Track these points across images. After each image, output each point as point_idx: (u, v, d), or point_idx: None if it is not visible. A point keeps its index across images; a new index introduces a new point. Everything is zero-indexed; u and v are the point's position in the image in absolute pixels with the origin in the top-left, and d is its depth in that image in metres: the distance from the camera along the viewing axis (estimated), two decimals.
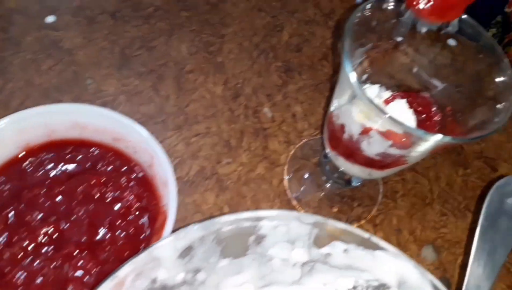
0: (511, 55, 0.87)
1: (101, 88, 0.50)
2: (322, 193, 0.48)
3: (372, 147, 0.33)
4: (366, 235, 0.32)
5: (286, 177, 0.48)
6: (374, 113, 0.29)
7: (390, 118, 0.28)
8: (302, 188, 0.48)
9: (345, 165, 0.39)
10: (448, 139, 0.28)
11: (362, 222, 0.47)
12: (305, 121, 0.52)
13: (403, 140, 0.30)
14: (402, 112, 0.35)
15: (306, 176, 0.49)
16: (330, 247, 0.34)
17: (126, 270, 0.28)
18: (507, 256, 0.40)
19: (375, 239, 0.32)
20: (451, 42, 0.35)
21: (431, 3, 0.30)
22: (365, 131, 0.32)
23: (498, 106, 0.30)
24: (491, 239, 0.39)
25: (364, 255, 0.33)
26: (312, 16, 0.61)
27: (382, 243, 0.32)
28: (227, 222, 0.31)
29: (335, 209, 0.48)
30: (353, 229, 0.32)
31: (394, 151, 0.32)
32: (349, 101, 0.32)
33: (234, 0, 0.60)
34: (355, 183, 0.46)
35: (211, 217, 0.42)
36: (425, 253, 0.47)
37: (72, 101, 0.48)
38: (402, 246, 0.46)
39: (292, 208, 0.47)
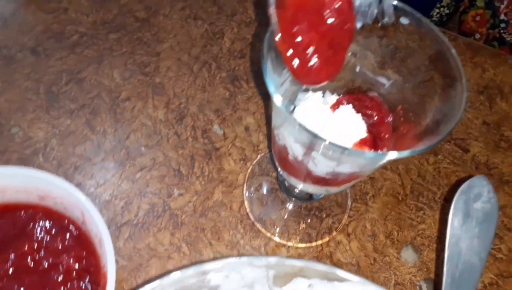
0: (469, 23, 0.85)
1: (29, 135, 0.45)
2: (287, 210, 0.45)
3: (319, 168, 0.29)
4: (325, 268, 0.28)
5: (246, 199, 0.44)
6: (311, 140, 0.25)
7: (331, 144, 0.24)
8: (264, 208, 0.44)
9: (299, 184, 0.35)
10: (400, 155, 0.24)
11: (334, 233, 0.44)
12: (260, 132, 0.48)
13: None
14: (350, 119, 0.31)
15: (267, 193, 0.45)
16: (293, 284, 0.30)
17: None
18: (486, 261, 0.37)
19: (338, 272, 0.28)
20: (403, 20, 0.31)
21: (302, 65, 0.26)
22: (308, 153, 0.28)
23: (449, 101, 0.26)
24: (462, 248, 0.36)
25: (330, 287, 0.29)
26: (253, 17, 0.57)
27: (345, 275, 0.28)
28: (169, 284, 0.27)
29: (303, 225, 0.44)
30: (313, 264, 0.28)
31: (344, 170, 0.29)
32: (284, 122, 0.28)
33: (166, 11, 0.56)
34: (317, 197, 0.43)
35: (169, 260, 0.38)
36: (405, 255, 0.43)
37: (0, 155, 0.43)
38: (379, 252, 0.43)
39: (256, 232, 0.43)
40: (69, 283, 0.34)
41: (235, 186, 0.45)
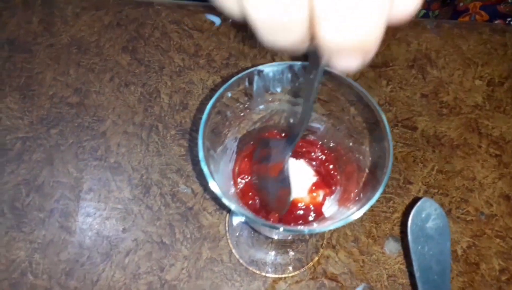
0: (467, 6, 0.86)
1: (11, 258, 0.47)
2: (273, 244, 0.48)
3: (283, 235, 0.33)
4: None
5: (233, 248, 0.48)
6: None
7: (286, 230, 0.27)
8: (252, 250, 0.48)
9: (276, 237, 0.39)
10: (352, 218, 0.28)
11: (321, 250, 0.48)
12: None
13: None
14: (296, 171, 0.35)
15: (251, 236, 0.49)
16: None
17: None
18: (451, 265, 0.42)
19: None
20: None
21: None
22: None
23: (378, 141, 0.30)
24: (431, 263, 0.42)
25: None
26: (181, 64, 0.59)
27: None
28: None
29: (291, 253, 0.48)
30: None
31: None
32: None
33: (96, 88, 0.57)
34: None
35: None
36: (388, 247, 0.48)
37: None
38: (365, 253, 0.47)
39: (252, 275, 0.47)
40: None
41: (219, 239, 0.48)
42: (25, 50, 0.59)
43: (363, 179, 0.32)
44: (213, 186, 0.29)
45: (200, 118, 0.55)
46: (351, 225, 0.49)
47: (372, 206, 0.49)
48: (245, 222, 0.49)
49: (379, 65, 0.58)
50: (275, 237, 0.39)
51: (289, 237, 0.37)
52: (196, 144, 0.53)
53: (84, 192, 0.51)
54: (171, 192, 0.51)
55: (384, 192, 0.50)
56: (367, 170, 0.31)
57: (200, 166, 0.51)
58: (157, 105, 0.56)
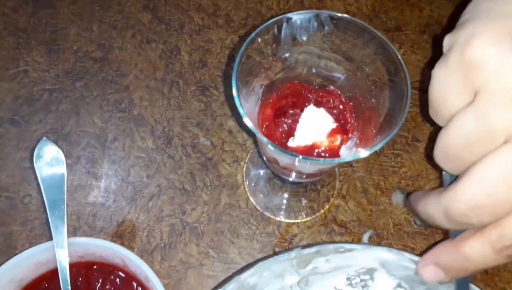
0: None
1: (42, 200, 0.51)
2: (287, 193, 0.52)
3: (308, 168, 0.36)
4: (335, 246, 0.36)
5: (250, 195, 0.51)
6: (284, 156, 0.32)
7: (305, 158, 0.31)
8: (267, 198, 0.51)
9: (292, 178, 0.42)
10: (370, 150, 0.31)
11: (332, 200, 0.51)
12: (243, 131, 0.55)
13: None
14: (317, 117, 0.38)
15: (266, 184, 0.52)
16: (313, 263, 0.38)
17: None
18: None
19: (345, 245, 0.36)
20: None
21: None
22: (293, 162, 0.35)
23: (396, 89, 0.33)
24: None
25: (343, 258, 0.37)
26: (201, 23, 0.61)
27: (351, 246, 0.36)
28: None
29: (304, 201, 0.52)
30: (323, 247, 0.36)
31: (330, 165, 0.36)
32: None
33: (119, 44, 0.60)
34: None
35: (202, 266, 0.46)
36: (395, 199, 0.52)
37: (22, 227, 0.49)
38: (373, 203, 0.51)
39: (267, 220, 0.50)
40: None
41: (236, 187, 0.52)
42: (49, 6, 0.62)
43: (379, 124, 0.36)
44: (247, 121, 0.32)
45: (219, 76, 0.58)
46: (360, 177, 0.53)
47: (381, 161, 0.52)
48: (265, 167, 0.52)
49: (392, 29, 0.61)
50: (291, 178, 0.43)
51: (304, 178, 0.41)
52: (215, 100, 0.56)
53: (109, 141, 0.54)
54: (191, 143, 0.54)
55: (393, 148, 0.54)
56: (383, 115, 0.35)
57: (218, 121, 0.54)
58: (177, 62, 0.59)
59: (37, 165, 0.41)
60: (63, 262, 0.39)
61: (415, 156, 0.54)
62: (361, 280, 0.40)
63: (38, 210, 0.51)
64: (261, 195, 0.52)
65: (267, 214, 0.51)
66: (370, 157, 0.54)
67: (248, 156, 0.54)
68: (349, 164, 0.53)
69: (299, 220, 0.50)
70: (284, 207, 0.51)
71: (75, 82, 0.57)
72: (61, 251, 0.40)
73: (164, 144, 0.54)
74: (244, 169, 0.53)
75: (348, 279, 0.40)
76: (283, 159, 0.37)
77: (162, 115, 0.56)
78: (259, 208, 0.51)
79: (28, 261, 0.40)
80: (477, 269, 0.31)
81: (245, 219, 0.51)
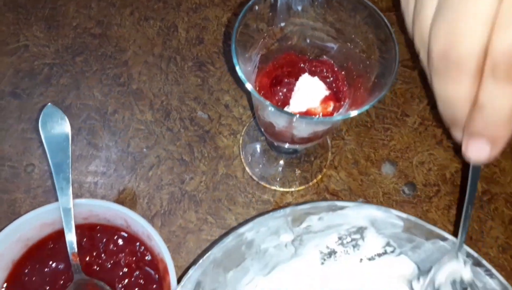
0: None
1: (45, 168, 0.53)
2: (282, 163, 0.55)
3: (302, 132, 0.39)
4: (327, 203, 0.39)
5: (246, 166, 0.54)
6: (284, 117, 0.34)
7: (301, 117, 0.33)
8: (263, 168, 0.54)
9: (287, 145, 0.45)
10: (360, 110, 0.34)
11: (324, 170, 0.54)
12: (239, 106, 0.57)
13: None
14: (311, 85, 0.40)
15: (261, 155, 0.55)
16: (307, 221, 0.40)
17: None
18: None
19: (337, 203, 0.39)
20: None
21: None
22: (290, 124, 0.37)
23: (387, 54, 0.36)
24: None
25: (335, 216, 0.40)
26: (198, 1, 0.63)
27: (342, 203, 0.39)
28: (216, 252, 0.37)
29: (298, 172, 0.54)
30: (316, 204, 0.39)
31: (322, 128, 0.38)
32: (262, 105, 0.37)
33: (117, 21, 0.61)
34: (302, 150, 0.52)
35: (201, 232, 0.48)
36: (385, 169, 0.54)
37: (26, 194, 0.51)
38: (364, 173, 0.54)
39: (262, 189, 0.53)
40: (133, 274, 0.43)
41: (233, 158, 0.54)
42: None
43: (369, 90, 0.38)
44: (249, 86, 0.34)
45: (215, 52, 0.60)
46: (351, 150, 0.55)
47: (371, 134, 0.55)
48: (261, 140, 0.55)
49: (383, 9, 0.64)
50: (286, 146, 0.45)
51: (298, 144, 0.43)
52: (211, 76, 0.59)
53: (109, 114, 0.56)
54: (189, 117, 0.56)
55: (383, 123, 0.57)
56: (373, 82, 0.37)
57: (215, 96, 0.56)
58: (174, 38, 0.61)
59: (42, 130, 0.43)
60: (69, 221, 0.41)
61: (404, 130, 0.57)
62: (352, 240, 0.43)
63: (41, 179, 0.52)
64: (257, 166, 0.54)
65: (263, 183, 0.53)
66: (361, 131, 0.56)
67: (244, 129, 0.56)
68: (340, 137, 0.56)
69: (293, 189, 0.53)
70: (279, 177, 0.54)
71: (74, 57, 0.59)
72: (67, 211, 0.42)
73: (162, 117, 0.56)
74: (241, 141, 0.55)
75: (340, 238, 0.43)
76: (280, 122, 0.39)
77: (160, 90, 0.58)
78: (255, 178, 0.53)
79: (34, 222, 0.42)
80: None
81: (242, 188, 0.53)
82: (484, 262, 0.37)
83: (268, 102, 0.34)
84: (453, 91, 0.29)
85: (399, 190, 0.54)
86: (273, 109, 0.34)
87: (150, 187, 0.52)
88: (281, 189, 0.53)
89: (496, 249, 0.51)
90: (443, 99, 0.30)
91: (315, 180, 0.53)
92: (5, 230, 0.41)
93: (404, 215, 0.38)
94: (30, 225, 0.42)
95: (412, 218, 0.38)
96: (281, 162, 0.55)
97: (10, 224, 0.41)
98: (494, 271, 0.37)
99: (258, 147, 0.55)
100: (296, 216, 0.39)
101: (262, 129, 0.45)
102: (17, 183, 0.52)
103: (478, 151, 0.31)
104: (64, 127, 0.43)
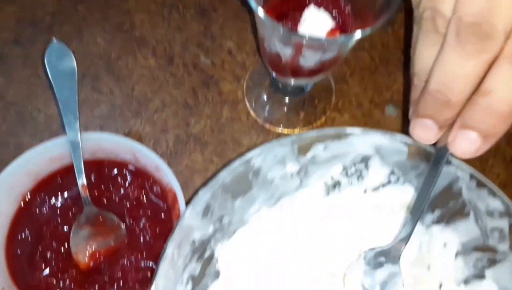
0: None
1: (50, 113, 0.53)
2: (286, 107, 0.55)
3: (309, 62, 0.39)
4: (335, 130, 0.39)
5: (250, 109, 0.54)
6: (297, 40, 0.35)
7: (311, 38, 0.34)
8: (267, 112, 0.54)
9: (293, 81, 0.45)
10: (364, 33, 0.34)
11: (328, 113, 0.55)
12: (242, 52, 0.57)
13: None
14: (317, 17, 0.41)
15: (266, 100, 0.55)
16: (312, 150, 0.41)
17: (170, 248, 0.35)
18: None
19: (344, 129, 0.39)
20: None
21: None
22: (297, 52, 0.38)
23: None
24: None
25: (341, 145, 0.40)
26: None
27: (349, 129, 0.39)
28: (225, 176, 0.38)
29: (302, 114, 0.55)
30: (323, 131, 0.39)
31: (328, 57, 0.39)
32: (271, 31, 0.37)
33: None
34: (309, 88, 0.53)
35: (207, 171, 0.49)
36: (388, 111, 0.55)
37: (32, 138, 0.51)
38: (367, 116, 0.55)
39: (267, 131, 0.54)
40: (142, 205, 0.44)
41: (237, 102, 0.55)
42: None
43: (375, 19, 0.38)
44: (260, 11, 0.34)
45: (218, 0, 0.60)
46: (355, 93, 0.56)
47: (375, 78, 0.55)
48: (265, 85, 0.55)
49: None
50: (292, 82, 0.46)
51: (304, 78, 0.44)
52: (214, 22, 0.59)
53: (113, 60, 0.56)
54: (192, 62, 0.57)
55: (386, 66, 0.57)
56: (379, 10, 0.38)
57: (217, 42, 0.56)
58: None
59: (48, 65, 0.43)
60: (77, 154, 0.42)
61: (407, 73, 0.57)
62: (357, 170, 0.44)
63: (47, 123, 0.53)
64: (261, 110, 0.55)
65: (267, 126, 0.54)
66: (365, 74, 0.57)
67: (248, 74, 0.56)
68: (344, 81, 0.56)
69: (297, 130, 0.54)
70: (283, 120, 0.54)
71: (76, 5, 0.59)
72: (75, 144, 0.42)
73: (166, 63, 0.56)
74: (244, 86, 0.56)
75: (344, 168, 0.44)
76: (287, 52, 0.39)
77: (163, 37, 0.58)
78: (259, 121, 0.54)
79: (43, 155, 0.43)
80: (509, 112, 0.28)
81: (246, 131, 0.54)
82: (488, 181, 0.38)
83: (279, 24, 0.34)
84: (469, 67, 0.27)
85: (402, 132, 0.54)
86: (283, 31, 0.34)
87: (156, 130, 0.53)
88: (286, 131, 0.53)
89: (497, 186, 0.52)
90: (452, 74, 0.28)
91: (319, 122, 0.54)
92: (14, 163, 0.41)
93: (409, 140, 0.39)
94: (39, 159, 0.43)
95: (418, 143, 0.39)
96: (286, 105, 0.55)
97: (18, 157, 0.42)
98: (497, 189, 0.37)
99: (262, 91, 0.56)
100: (303, 144, 0.40)
101: (268, 66, 0.45)
102: (23, 127, 0.53)
103: (466, 145, 0.30)
104: (70, 62, 0.43)
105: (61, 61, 0.44)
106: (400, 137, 0.40)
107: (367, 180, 0.44)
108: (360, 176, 0.44)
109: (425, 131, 0.32)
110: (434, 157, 0.36)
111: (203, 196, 0.37)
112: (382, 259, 0.39)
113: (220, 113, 0.54)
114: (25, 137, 0.52)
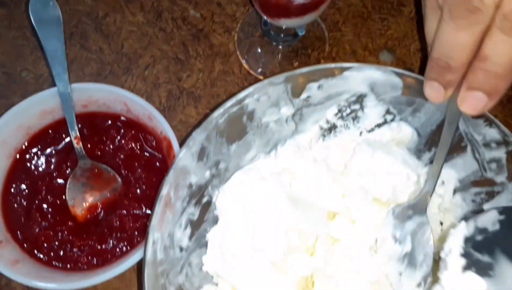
0: None
1: (39, 73, 0.53)
2: (279, 57, 0.54)
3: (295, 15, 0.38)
4: (326, 66, 0.39)
5: (243, 61, 0.54)
6: None
7: None
8: (260, 63, 0.54)
9: (285, 22, 0.44)
10: None
11: (322, 61, 0.54)
12: (232, 3, 0.56)
13: None
14: None
15: (258, 50, 0.55)
16: (307, 91, 0.41)
17: (166, 189, 0.35)
18: None
19: (337, 64, 0.39)
20: None
21: None
22: None
23: None
24: None
25: (335, 81, 0.40)
26: None
27: (344, 64, 0.39)
28: (218, 115, 0.38)
29: (296, 64, 0.54)
30: (316, 66, 0.39)
31: None
32: None
33: None
34: (300, 33, 0.52)
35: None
36: (383, 57, 0.55)
37: (22, 99, 0.51)
38: (362, 62, 0.54)
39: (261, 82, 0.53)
40: (136, 157, 0.44)
41: (229, 55, 0.54)
42: None
43: None
44: None
45: None
46: (349, 41, 0.55)
47: (368, 25, 0.54)
48: (257, 35, 0.54)
49: None
50: (284, 25, 0.45)
51: (297, 18, 0.43)
52: None
53: (100, 17, 0.55)
54: (181, 16, 0.56)
55: (379, 13, 0.56)
56: None
57: None
58: None
59: (32, 15, 0.42)
60: (68, 106, 0.42)
61: (401, 19, 0.56)
62: (352, 111, 0.43)
63: (37, 83, 0.52)
64: (254, 61, 0.54)
65: (261, 78, 0.53)
66: (358, 22, 0.56)
67: (239, 26, 0.55)
68: (337, 28, 0.55)
69: None
70: (276, 70, 0.54)
71: None
72: (65, 96, 0.42)
73: (154, 18, 0.55)
74: (236, 38, 0.55)
75: (339, 110, 0.43)
76: None
77: None
78: (252, 72, 0.53)
79: (34, 108, 0.42)
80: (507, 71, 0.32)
81: (240, 83, 0.53)
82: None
83: None
84: (462, 38, 0.31)
85: None
86: None
87: (147, 85, 0.52)
88: None
89: None
90: (449, 44, 0.32)
91: None
92: (4, 116, 0.41)
93: (401, 71, 0.39)
94: (30, 112, 0.42)
95: (412, 74, 0.39)
96: (279, 55, 0.54)
97: (10, 109, 0.41)
98: (493, 118, 0.37)
99: (254, 42, 0.55)
100: (296, 84, 0.40)
101: (259, 7, 0.45)
102: (13, 88, 0.52)
103: (474, 104, 0.33)
104: (55, 10, 0.43)
105: (46, 10, 0.43)
106: (394, 69, 0.39)
107: (363, 121, 0.44)
108: (355, 117, 0.44)
109: (433, 92, 0.36)
110: (448, 116, 0.36)
111: (197, 136, 0.37)
112: (410, 212, 0.40)
113: (212, 66, 0.54)
114: (16, 98, 0.51)
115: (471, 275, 0.32)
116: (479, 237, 0.33)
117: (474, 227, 0.34)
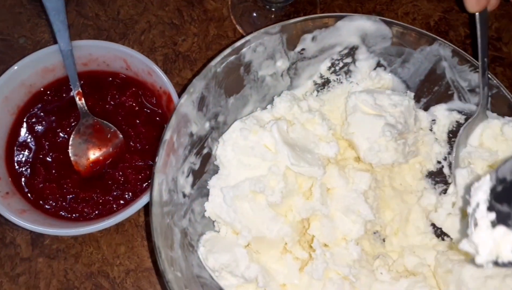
0: None
1: (37, 39, 0.54)
2: (272, 21, 0.56)
3: None
4: (322, 14, 0.41)
5: (237, 25, 0.55)
6: None
7: None
8: (254, 26, 0.56)
9: None
10: None
11: None
12: None
13: None
14: None
15: (251, 15, 0.56)
16: (301, 43, 0.43)
17: (168, 134, 0.37)
18: None
19: (330, 14, 0.41)
20: None
21: None
22: None
23: None
24: None
25: (328, 32, 0.42)
26: None
27: (337, 14, 0.41)
28: (217, 64, 0.39)
29: None
30: (311, 16, 0.41)
31: None
32: None
33: None
34: None
35: None
36: None
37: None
38: None
39: None
40: (136, 113, 0.45)
41: (223, 19, 0.56)
42: None
43: None
44: None
45: None
46: (339, 5, 0.57)
47: None
48: None
49: None
50: None
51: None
52: None
53: None
54: None
55: None
56: None
57: None
58: None
59: None
60: (70, 62, 0.43)
61: None
62: (344, 65, 0.45)
63: (35, 49, 0.53)
64: (248, 24, 0.56)
65: None
66: None
67: None
68: None
69: None
70: None
71: None
72: (67, 53, 0.43)
73: None
74: (229, 2, 0.57)
75: (332, 64, 0.45)
76: None
77: None
78: (246, 35, 0.55)
79: (36, 65, 0.44)
80: None
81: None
82: (469, 56, 0.40)
83: None
84: None
85: None
86: None
87: (144, 50, 0.54)
88: None
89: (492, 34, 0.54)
90: None
91: None
92: (7, 73, 0.42)
93: (390, 20, 0.41)
94: (31, 69, 0.43)
95: (400, 22, 0.41)
96: (272, 19, 0.56)
97: (12, 66, 0.42)
98: (475, 62, 0.40)
99: (247, 6, 0.57)
100: (291, 35, 0.41)
101: None
102: (11, 54, 0.53)
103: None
104: None
105: None
106: (382, 18, 0.41)
107: (355, 75, 0.46)
108: (348, 71, 0.46)
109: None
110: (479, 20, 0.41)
111: (197, 83, 0.39)
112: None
113: (206, 30, 0.55)
114: (14, 64, 0.53)
115: (502, 229, 0.29)
116: (499, 188, 0.30)
117: (496, 178, 0.31)
